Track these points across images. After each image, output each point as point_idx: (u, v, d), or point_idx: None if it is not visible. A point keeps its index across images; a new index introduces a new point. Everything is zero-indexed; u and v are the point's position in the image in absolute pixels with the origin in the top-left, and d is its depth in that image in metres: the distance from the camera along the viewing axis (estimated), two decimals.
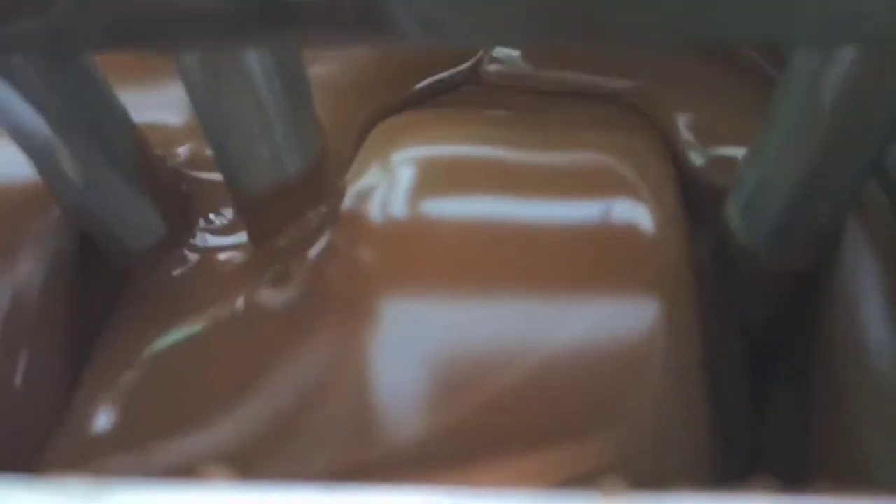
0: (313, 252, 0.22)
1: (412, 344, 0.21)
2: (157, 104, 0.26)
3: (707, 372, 0.22)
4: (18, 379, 0.22)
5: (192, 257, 0.24)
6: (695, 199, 0.25)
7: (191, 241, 0.24)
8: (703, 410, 0.21)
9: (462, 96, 0.30)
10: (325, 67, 0.29)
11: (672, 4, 0.13)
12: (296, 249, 0.22)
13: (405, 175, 0.24)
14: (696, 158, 0.26)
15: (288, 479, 0.20)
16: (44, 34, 0.14)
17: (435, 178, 0.24)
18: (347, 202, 0.23)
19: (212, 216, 0.24)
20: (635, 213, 0.23)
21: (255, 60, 0.18)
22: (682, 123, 0.27)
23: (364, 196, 0.23)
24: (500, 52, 0.31)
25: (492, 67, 0.31)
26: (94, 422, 0.21)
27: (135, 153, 0.22)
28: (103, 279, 0.24)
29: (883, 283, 0.21)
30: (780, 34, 0.14)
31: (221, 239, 0.24)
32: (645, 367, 0.21)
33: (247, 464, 0.20)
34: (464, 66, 0.31)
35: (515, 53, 0.31)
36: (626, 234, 0.23)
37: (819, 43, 0.17)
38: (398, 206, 0.23)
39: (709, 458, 0.21)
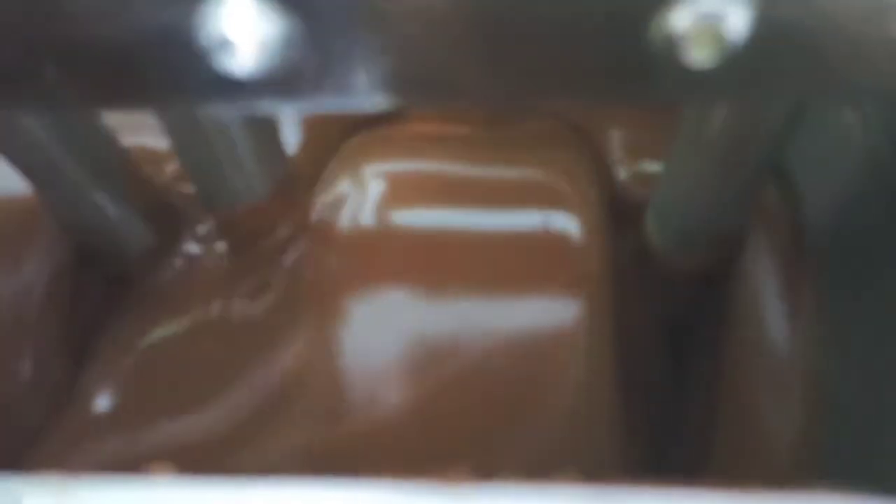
0: (287, 261, 0.25)
1: (374, 336, 0.24)
2: (146, 127, 0.28)
3: (624, 364, 0.25)
4: (23, 373, 0.25)
5: (179, 264, 0.27)
6: (621, 209, 0.28)
7: (178, 248, 0.27)
8: (616, 401, 0.24)
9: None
10: None
11: None
12: (271, 259, 0.25)
13: (370, 188, 0.27)
14: (623, 173, 0.29)
15: (265, 467, 0.23)
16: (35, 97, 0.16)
17: (396, 191, 0.27)
18: (316, 213, 0.26)
19: (197, 227, 0.27)
20: (565, 224, 0.26)
21: None
22: (613, 140, 0.30)
23: (332, 207, 0.26)
24: None
25: None
26: (94, 406, 0.25)
27: (122, 172, 0.25)
28: (97, 285, 0.27)
29: (778, 283, 0.25)
30: None
31: (206, 247, 0.27)
32: (566, 360, 0.24)
33: (228, 450, 0.23)
34: None
35: None
36: (557, 242, 0.26)
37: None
38: (363, 216, 0.26)
39: (619, 447, 0.24)
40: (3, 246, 0.25)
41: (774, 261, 0.24)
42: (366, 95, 0.15)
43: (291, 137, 0.29)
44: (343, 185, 0.27)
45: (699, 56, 0.15)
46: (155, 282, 0.26)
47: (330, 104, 0.15)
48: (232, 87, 0.15)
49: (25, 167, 0.23)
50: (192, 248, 0.27)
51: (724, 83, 0.15)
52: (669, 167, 0.24)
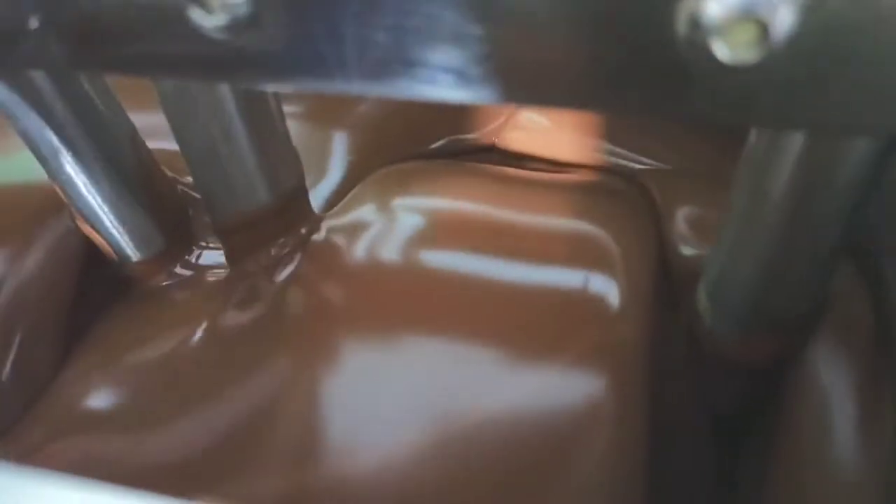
0: (279, 277, 0.23)
1: (361, 383, 0.22)
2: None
3: (660, 447, 0.21)
4: (6, 361, 0.24)
5: (184, 273, 0.25)
6: (674, 280, 0.25)
7: (186, 257, 0.25)
8: (645, 482, 0.20)
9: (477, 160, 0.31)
10: (355, 114, 0.31)
11: None
12: (265, 272, 0.23)
13: (398, 219, 0.25)
14: (684, 249, 0.26)
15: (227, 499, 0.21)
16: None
17: (427, 227, 0.25)
18: (322, 234, 0.24)
19: (209, 238, 0.25)
20: (607, 287, 0.23)
21: (225, 92, 0.20)
22: (682, 214, 0.27)
23: (347, 231, 0.24)
24: (524, 117, 0.31)
25: (513, 133, 0.32)
26: (71, 405, 0.23)
27: (140, 170, 0.24)
28: (100, 283, 0.26)
29: (851, 380, 0.20)
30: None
31: (214, 258, 0.25)
32: (591, 431, 0.20)
33: (193, 476, 0.21)
34: (484, 130, 0.32)
35: (539, 119, 0.31)
36: (594, 305, 0.23)
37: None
38: (372, 247, 0.24)
39: None
40: (13, 232, 0.24)
41: (847, 353, 0.20)
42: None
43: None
44: (366, 211, 0.25)
45: (735, 50, 0.12)
46: (155, 287, 0.25)
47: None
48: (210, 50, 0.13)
49: (44, 156, 0.22)
50: (201, 258, 0.25)
51: (761, 87, 0.12)
52: (725, 233, 0.20)
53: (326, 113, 0.31)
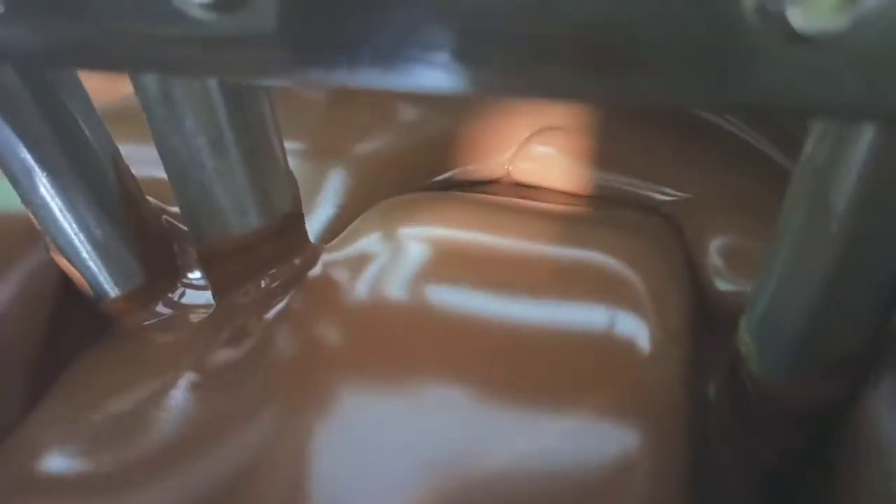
0: (269, 314, 0.21)
1: (359, 437, 0.19)
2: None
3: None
4: None
5: (166, 312, 0.23)
6: (713, 320, 0.22)
7: (169, 295, 0.23)
8: None
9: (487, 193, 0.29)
10: (358, 148, 0.29)
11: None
12: (254, 308, 0.21)
13: (391, 251, 0.22)
14: (721, 283, 0.24)
15: None
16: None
17: (438, 261, 0.23)
18: (318, 268, 0.22)
19: (192, 273, 0.23)
20: (635, 328, 0.21)
21: (213, 97, 0.18)
22: (714, 245, 0.25)
23: (349, 266, 0.22)
24: (535, 148, 0.30)
25: (524, 165, 0.30)
26: (34, 457, 0.20)
27: (122, 195, 0.22)
28: (78, 321, 0.23)
29: None
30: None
31: (200, 296, 0.23)
32: (623, 491, 0.18)
33: None
34: (494, 161, 0.30)
35: (550, 150, 0.29)
36: (622, 348, 0.20)
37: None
38: (374, 282, 0.21)
39: None
40: None
41: None
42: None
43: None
44: (369, 243, 0.23)
45: (815, 17, 0.10)
46: (134, 327, 0.22)
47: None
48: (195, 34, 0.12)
49: (16, 176, 0.20)
50: (184, 296, 0.23)
51: (848, 65, 0.10)
52: (772, 261, 0.18)
53: (329, 147, 0.30)
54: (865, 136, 0.14)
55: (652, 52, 0.11)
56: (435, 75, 0.12)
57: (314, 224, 0.27)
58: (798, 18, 0.10)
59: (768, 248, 0.18)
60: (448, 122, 0.30)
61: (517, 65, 0.11)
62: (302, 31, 0.12)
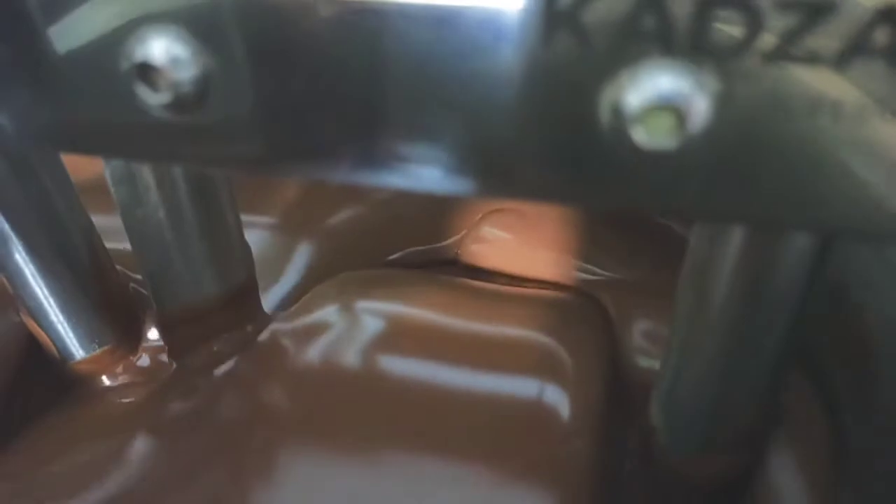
0: (217, 374, 0.22)
1: (294, 499, 0.20)
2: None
3: None
4: None
5: (126, 374, 0.24)
6: (630, 397, 0.24)
7: (131, 358, 0.25)
8: None
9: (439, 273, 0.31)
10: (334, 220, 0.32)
11: None
12: (204, 370, 0.22)
13: (339, 321, 0.24)
14: (643, 361, 0.25)
15: None
16: None
17: (369, 331, 0.24)
18: (266, 333, 0.23)
19: (155, 338, 0.25)
20: (554, 399, 0.22)
21: (176, 176, 0.20)
22: (637, 326, 0.27)
23: (289, 332, 0.24)
24: (486, 230, 0.32)
25: (474, 247, 0.32)
26: None
27: (93, 264, 0.23)
28: (43, 377, 0.25)
29: (812, 500, 0.19)
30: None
31: (159, 360, 0.25)
32: None
33: None
34: (446, 242, 0.32)
35: (500, 232, 0.32)
36: (542, 416, 0.22)
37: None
38: (320, 350, 0.23)
39: None
40: None
41: (804, 471, 0.19)
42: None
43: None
44: (319, 313, 0.24)
45: (653, 137, 0.12)
46: (95, 389, 0.24)
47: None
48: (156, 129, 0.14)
49: None
50: (146, 360, 0.24)
51: (682, 175, 0.12)
52: (671, 342, 0.20)
53: (301, 221, 0.32)
54: (736, 233, 0.16)
55: (532, 162, 0.13)
56: (392, 175, 0.14)
57: (279, 292, 0.29)
58: (641, 137, 0.12)
59: (669, 329, 0.20)
60: (413, 199, 0.32)
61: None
62: (254, 132, 0.14)
